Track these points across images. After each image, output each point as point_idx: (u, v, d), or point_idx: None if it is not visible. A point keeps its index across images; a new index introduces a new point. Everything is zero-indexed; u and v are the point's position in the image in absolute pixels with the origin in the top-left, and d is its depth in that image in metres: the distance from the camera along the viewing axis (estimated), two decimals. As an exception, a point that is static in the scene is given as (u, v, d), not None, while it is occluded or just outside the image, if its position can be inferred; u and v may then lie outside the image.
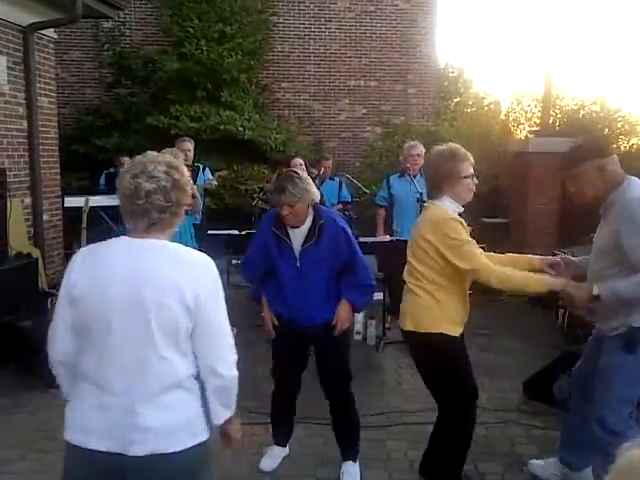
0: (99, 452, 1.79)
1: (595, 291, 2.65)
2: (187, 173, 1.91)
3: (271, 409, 3.53)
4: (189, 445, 1.80)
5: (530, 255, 3.21)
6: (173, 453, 1.77)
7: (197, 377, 1.86)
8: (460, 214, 2.93)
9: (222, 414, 1.92)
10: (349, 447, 3.37)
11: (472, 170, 2.95)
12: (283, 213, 3.02)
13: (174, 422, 1.79)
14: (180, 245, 1.87)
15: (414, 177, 5.86)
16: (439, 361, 2.95)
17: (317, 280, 3.13)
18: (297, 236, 3.13)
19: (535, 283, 2.82)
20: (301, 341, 3.26)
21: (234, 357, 1.87)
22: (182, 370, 1.80)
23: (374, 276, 3.39)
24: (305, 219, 3.12)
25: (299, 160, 6.27)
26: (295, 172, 3.11)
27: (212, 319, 1.81)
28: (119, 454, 1.77)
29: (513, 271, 2.84)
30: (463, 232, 2.81)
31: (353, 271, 3.17)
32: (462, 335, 3.02)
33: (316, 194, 3.12)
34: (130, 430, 1.76)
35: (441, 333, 2.87)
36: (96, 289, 1.78)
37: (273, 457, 3.50)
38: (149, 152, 1.89)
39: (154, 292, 1.74)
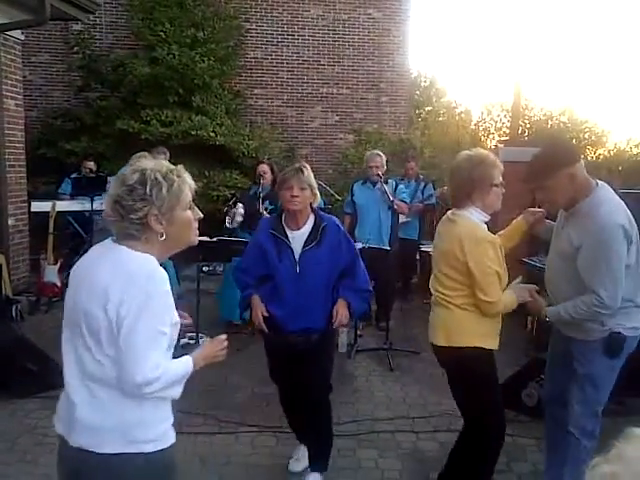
0: (59, 434, 1.86)
1: (545, 312, 2.85)
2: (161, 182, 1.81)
3: (284, 413, 3.50)
4: (123, 451, 1.74)
5: (515, 221, 3.15)
6: (101, 454, 1.74)
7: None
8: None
9: (171, 396, 1.84)
10: (319, 459, 3.32)
11: (502, 178, 2.84)
12: (294, 192, 3.01)
13: (106, 423, 1.75)
14: (140, 256, 1.77)
15: (377, 184, 5.92)
16: (476, 376, 2.84)
17: (316, 283, 3.09)
18: (297, 238, 3.10)
19: (514, 302, 2.83)
20: (290, 348, 3.20)
21: (141, 378, 1.69)
22: (113, 374, 1.74)
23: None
24: (306, 219, 3.12)
25: (264, 167, 6.19)
26: (308, 166, 3.17)
27: (128, 333, 1.68)
28: (65, 440, 1.81)
29: (505, 298, 2.79)
30: (496, 259, 2.72)
31: (353, 276, 3.16)
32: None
33: (318, 195, 3.15)
34: (71, 419, 1.79)
35: (477, 347, 2.78)
36: (69, 284, 1.88)
37: (300, 457, 3.45)
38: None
39: (84, 297, 1.76)
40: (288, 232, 3.11)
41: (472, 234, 2.74)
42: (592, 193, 2.72)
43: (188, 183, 1.86)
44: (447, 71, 37.37)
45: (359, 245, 5.75)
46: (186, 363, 1.85)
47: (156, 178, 1.77)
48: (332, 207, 7.86)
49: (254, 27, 11.34)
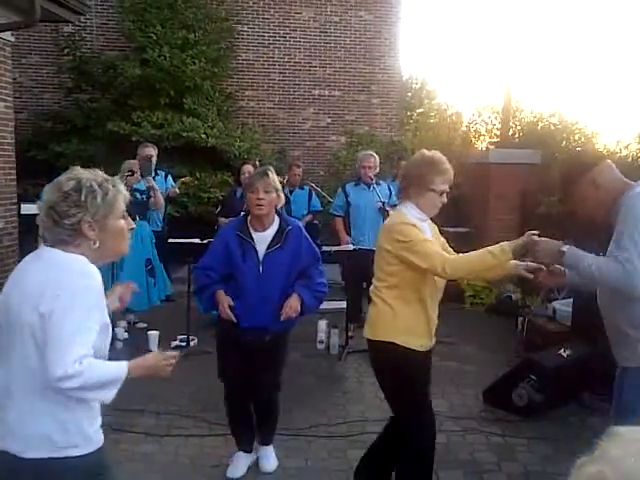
0: None
1: (563, 247, 2.39)
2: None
3: (227, 414, 3.48)
4: (47, 456, 1.75)
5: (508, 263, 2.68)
6: (25, 459, 1.74)
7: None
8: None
9: (104, 401, 1.81)
10: (268, 435, 3.49)
11: (446, 187, 2.75)
12: (258, 196, 3.08)
13: (32, 428, 1.75)
14: (70, 256, 1.80)
15: (372, 185, 5.92)
16: (390, 372, 2.80)
17: (276, 284, 3.18)
18: (261, 241, 3.18)
19: (493, 259, 2.53)
20: (245, 347, 3.24)
21: (62, 372, 1.66)
22: (40, 378, 1.73)
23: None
24: (271, 222, 3.20)
25: (249, 167, 6.24)
26: (272, 169, 3.25)
27: (53, 326, 1.69)
28: None
29: (469, 254, 2.64)
30: (413, 233, 2.64)
31: (310, 277, 3.25)
32: (429, 350, 2.87)
33: (282, 197, 3.23)
34: (1, 422, 1.80)
35: (393, 342, 2.71)
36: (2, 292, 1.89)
37: (239, 464, 3.44)
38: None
39: (17, 297, 1.78)
40: (253, 233, 3.19)
41: (393, 222, 2.75)
42: (629, 191, 2.36)
43: (123, 193, 1.91)
44: (438, 73, 37.52)
45: (350, 247, 5.77)
46: (119, 367, 1.81)
47: (91, 186, 1.82)
48: (324, 209, 7.89)
49: (245, 29, 11.34)
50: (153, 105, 9.63)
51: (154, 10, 9.88)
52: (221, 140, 9.65)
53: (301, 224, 3.44)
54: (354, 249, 5.73)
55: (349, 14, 11.69)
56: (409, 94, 17.74)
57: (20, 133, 8.08)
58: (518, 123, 10.43)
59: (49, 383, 1.70)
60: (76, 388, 1.70)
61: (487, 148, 10.22)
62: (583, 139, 9.83)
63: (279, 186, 3.21)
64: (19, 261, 1.94)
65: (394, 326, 2.74)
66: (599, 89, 28.84)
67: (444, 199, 2.77)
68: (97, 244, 1.83)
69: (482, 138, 11.50)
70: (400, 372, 2.77)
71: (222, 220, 6.28)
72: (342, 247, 5.90)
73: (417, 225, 2.72)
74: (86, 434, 1.83)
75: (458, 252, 2.91)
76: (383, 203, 5.58)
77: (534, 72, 26.39)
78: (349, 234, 6.17)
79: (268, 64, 11.53)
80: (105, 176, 1.89)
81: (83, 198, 1.80)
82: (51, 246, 1.84)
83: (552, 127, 9.96)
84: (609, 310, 2.45)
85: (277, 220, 3.23)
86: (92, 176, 1.85)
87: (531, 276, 2.64)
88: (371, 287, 2.91)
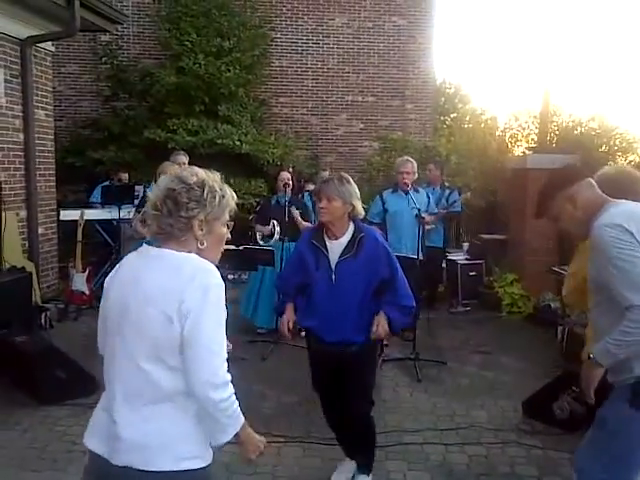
0: (95, 453, 1.78)
1: (589, 355, 2.22)
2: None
3: (330, 426, 3.44)
4: (172, 469, 1.68)
5: None
6: (150, 472, 1.68)
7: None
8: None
9: (216, 437, 1.78)
10: (364, 464, 3.34)
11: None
12: (320, 205, 3.03)
13: (152, 439, 1.69)
14: (189, 255, 1.76)
15: (409, 192, 5.85)
16: None
17: (351, 294, 3.07)
18: (335, 248, 3.10)
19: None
20: (330, 358, 3.17)
21: (219, 380, 1.69)
22: (166, 385, 1.69)
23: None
24: (345, 230, 3.10)
25: (287, 174, 6.25)
26: (347, 177, 3.14)
27: (196, 334, 1.65)
28: (106, 459, 1.74)
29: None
30: None
31: (394, 290, 3.12)
32: None
33: (360, 208, 3.12)
34: (112, 436, 1.72)
35: None
36: (106, 294, 1.84)
37: (344, 471, 3.41)
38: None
39: (138, 299, 1.71)
40: (327, 242, 3.11)
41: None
42: (600, 214, 2.26)
43: (232, 203, 1.89)
44: (472, 78, 37.17)
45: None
46: (240, 416, 1.80)
47: (213, 186, 1.81)
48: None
49: (279, 36, 11.40)
50: (188, 112, 9.74)
51: (189, 18, 10.00)
52: (255, 147, 9.70)
53: (378, 232, 3.30)
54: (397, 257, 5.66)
55: (382, 19, 11.67)
56: (443, 99, 17.59)
57: (59, 141, 8.24)
58: (556, 127, 10.24)
59: (205, 405, 1.69)
60: (225, 400, 1.70)
61: (524, 153, 10.04)
62: (624, 144, 9.60)
63: (347, 193, 3.05)
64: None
65: None
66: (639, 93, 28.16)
67: None
68: (204, 244, 1.80)
69: (518, 143, 11.32)
70: None
71: (258, 227, 6.29)
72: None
73: None
74: (204, 447, 1.78)
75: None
76: (419, 210, 5.50)
77: (572, 76, 25.94)
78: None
79: (301, 70, 11.57)
80: (221, 180, 1.88)
81: (205, 195, 1.78)
82: (158, 246, 1.79)
83: (591, 132, 9.75)
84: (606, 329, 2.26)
85: (352, 228, 3.12)
86: (212, 176, 1.85)
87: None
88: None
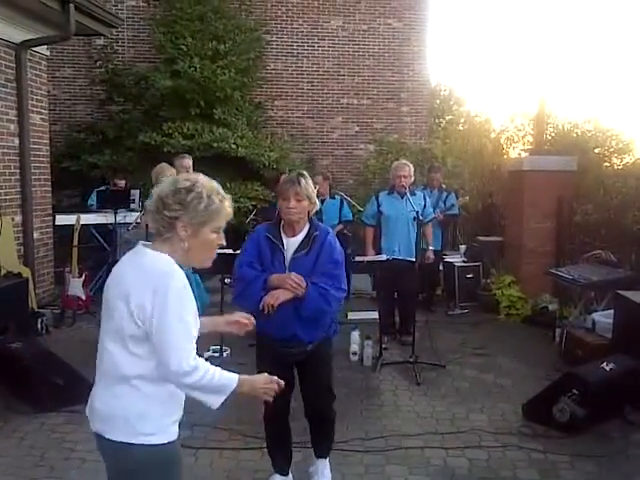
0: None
1: None
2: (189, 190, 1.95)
3: (265, 435, 3.38)
4: (127, 440, 1.89)
5: None
6: (110, 440, 1.92)
7: (154, 379, 1.90)
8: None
9: (209, 403, 1.96)
10: (324, 446, 3.45)
11: None
12: (290, 205, 3.01)
13: (116, 412, 1.92)
14: (160, 257, 1.91)
15: (405, 195, 5.84)
16: None
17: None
18: (290, 245, 3.11)
19: None
20: (283, 360, 3.11)
21: (187, 368, 1.85)
22: (128, 369, 1.89)
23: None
24: (302, 228, 3.12)
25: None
26: (306, 175, 3.16)
27: (159, 333, 1.84)
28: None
29: None
30: None
31: (328, 277, 3.07)
32: None
33: (317, 204, 3.15)
34: (90, 406, 2.02)
35: None
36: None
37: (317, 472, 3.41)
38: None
39: (115, 290, 1.93)
40: (284, 238, 3.13)
41: None
42: None
43: (227, 212, 2.00)
44: (467, 80, 37.17)
45: (384, 257, 5.70)
46: (231, 377, 1.98)
47: (201, 192, 1.93)
48: (354, 218, 7.83)
49: (274, 39, 11.39)
50: (184, 116, 9.71)
51: (184, 22, 9.98)
52: (250, 150, 9.67)
53: (330, 230, 3.28)
54: (387, 259, 5.65)
55: (377, 22, 11.68)
56: (438, 101, 17.60)
57: (54, 145, 8.21)
58: (552, 130, 10.26)
59: (171, 380, 1.88)
60: (197, 381, 1.87)
61: (520, 155, 10.06)
62: (620, 145, 9.62)
63: (312, 193, 3.10)
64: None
65: None
66: (636, 95, 28.27)
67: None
68: (186, 245, 1.93)
69: (514, 145, 11.34)
70: None
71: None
72: (374, 257, 5.83)
73: None
74: (162, 424, 1.95)
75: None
76: (417, 213, 5.48)
77: (568, 78, 26.01)
78: (379, 244, 6.08)
79: (297, 73, 11.56)
80: (221, 190, 2.01)
81: (189, 199, 1.91)
82: (146, 244, 1.98)
83: (587, 134, 9.78)
84: None
85: (307, 226, 3.14)
86: (208, 184, 1.98)
87: None
88: None
